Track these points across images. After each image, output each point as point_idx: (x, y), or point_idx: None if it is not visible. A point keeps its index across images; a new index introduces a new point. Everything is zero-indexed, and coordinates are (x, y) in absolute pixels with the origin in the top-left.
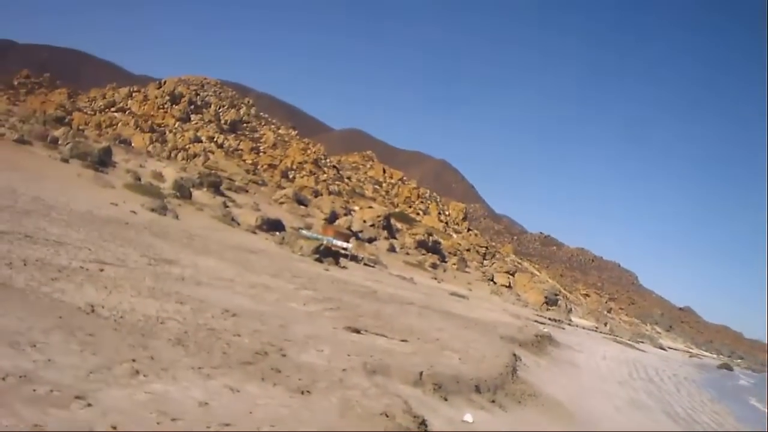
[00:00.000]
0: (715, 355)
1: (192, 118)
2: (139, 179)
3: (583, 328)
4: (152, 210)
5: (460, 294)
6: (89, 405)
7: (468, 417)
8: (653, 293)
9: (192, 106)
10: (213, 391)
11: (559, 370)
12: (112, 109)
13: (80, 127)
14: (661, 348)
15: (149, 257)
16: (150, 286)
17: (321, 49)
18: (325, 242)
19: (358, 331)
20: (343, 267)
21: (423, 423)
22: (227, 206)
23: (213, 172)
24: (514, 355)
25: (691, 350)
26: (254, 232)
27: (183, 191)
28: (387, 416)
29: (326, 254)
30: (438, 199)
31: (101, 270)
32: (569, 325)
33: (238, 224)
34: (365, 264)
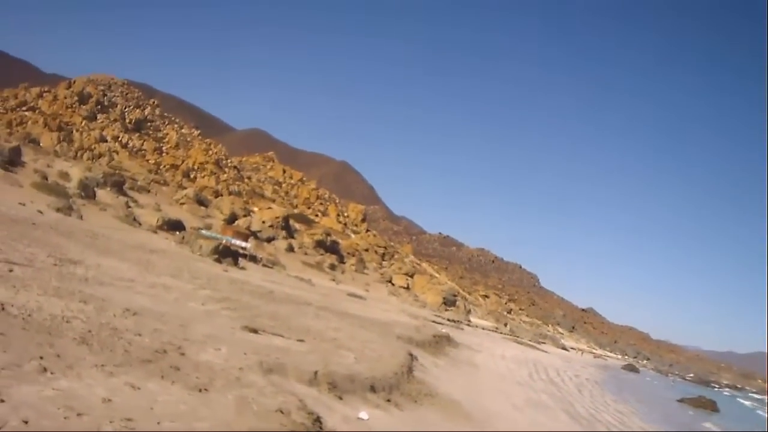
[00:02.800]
0: (620, 356)
1: (98, 118)
2: (46, 179)
3: (483, 328)
4: (58, 210)
5: (357, 295)
6: (2, 401)
7: (363, 415)
8: (555, 295)
9: (99, 106)
10: (115, 388)
11: (456, 370)
12: (24, 108)
13: None
14: (564, 348)
15: (55, 257)
16: (56, 285)
17: (226, 51)
18: (224, 242)
19: (255, 331)
20: (242, 267)
21: (318, 420)
22: (129, 206)
23: (117, 172)
24: (411, 355)
25: (594, 351)
26: (155, 232)
27: (87, 191)
28: (282, 413)
29: (225, 254)
30: (337, 201)
31: (10, 270)
32: (468, 325)
33: (140, 224)
34: (264, 265)
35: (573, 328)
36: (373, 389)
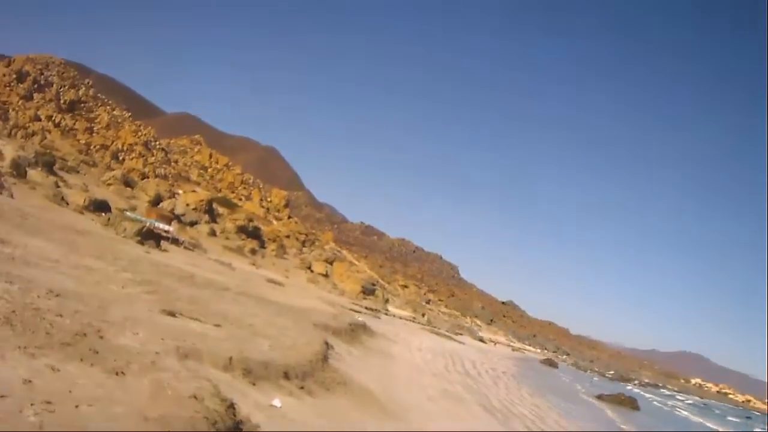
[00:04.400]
0: (539, 350)
1: (34, 97)
2: None
3: (400, 318)
4: None
5: (276, 281)
6: None
7: (276, 402)
8: (475, 287)
9: (36, 85)
10: (37, 370)
11: (372, 360)
12: None
13: None
14: (481, 341)
15: None
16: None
17: (160, 31)
18: (147, 224)
19: (173, 315)
20: (164, 250)
21: (231, 406)
22: (59, 186)
23: (48, 151)
24: (326, 343)
25: (512, 344)
26: (82, 213)
27: (20, 170)
28: (196, 399)
29: (148, 237)
30: (261, 186)
31: None
32: (386, 314)
33: (68, 204)
34: (185, 247)
35: (492, 320)
36: (286, 376)
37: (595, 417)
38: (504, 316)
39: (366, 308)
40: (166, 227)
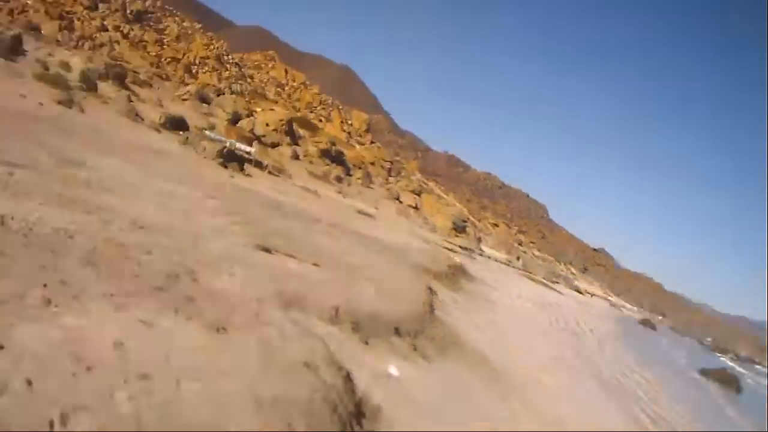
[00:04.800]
0: (635, 307)
1: (99, 7)
2: (48, 69)
3: (495, 260)
4: (59, 103)
5: (366, 212)
6: (2, 347)
7: (393, 370)
8: (564, 230)
9: None
10: (127, 327)
11: (476, 310)
12: None
13: None
14: (578, 291)
15: (57, 158)
16: (58, 192)
17: None
18: (228, 145)
19: (268, 251)
20: (248, 174)
21: (349, 378)
22: (131, 101)
23: (118, 63)
24: (430, 289)
25: (609, 297)
26: (158, 130)
27: (89, 83)
28: (309, 367)
29: (230, 158)
30: (340, 107)
31: (11, 174)
32: (480, 255)
33: (142, 120)
34: (270, 172)
35: (585, 268)
36: (397, 332)
37: (702, 400)
38: (597, 265)
39: (460, 247)
40: (248, 149)
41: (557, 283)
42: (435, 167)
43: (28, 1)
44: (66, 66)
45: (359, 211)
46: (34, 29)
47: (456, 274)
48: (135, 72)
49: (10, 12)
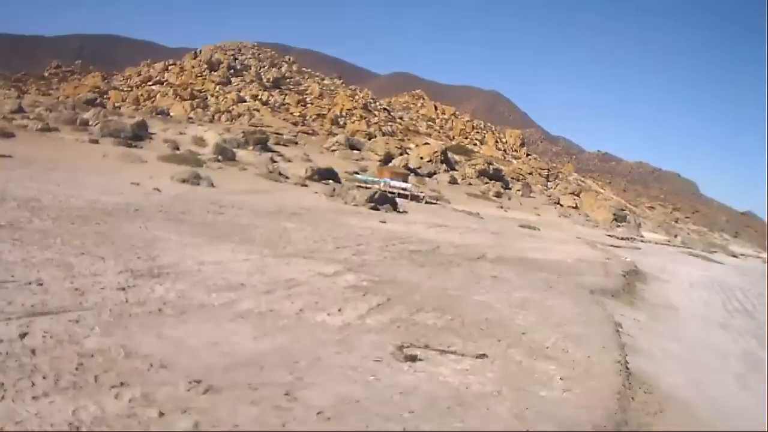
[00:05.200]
0: None
1: (233, 81)
2: (178, 148)
3: (656, 243)
4: (183, 181)
5: (530, 225)
6: None
7: None
8: (714, 201)
9: (231, 71)
10: None
11: (662, 329)
12: (149, 83)
13: (116, 105)
14: (734, 256)
15: (132, 270)
16: (102, 329)
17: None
18: (381, 185)
19: (414, 359)
20: (403, 212)
21: None
22: (275, 161)
23: (258, 128)
24: (616, 324)
25: (760, 255)
26: (305, 185)
27: (225, 153)
28: None
29: (382, 201)
30: (493, 128)
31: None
32: (642, 241)
33: (287, 178)
34: (427, 202)
35: (737, 233)
36: None
37: None
38: (746, 227)
39: (623, 239)
40: (403, 185)
41: (715, 252)
42: (590, 165)
43: (154, 87)
44: (200, 141)
45: (522, 225)
46: (161, 113)
47: (631, 283)
48: (278, 134)
49: (136, 101)
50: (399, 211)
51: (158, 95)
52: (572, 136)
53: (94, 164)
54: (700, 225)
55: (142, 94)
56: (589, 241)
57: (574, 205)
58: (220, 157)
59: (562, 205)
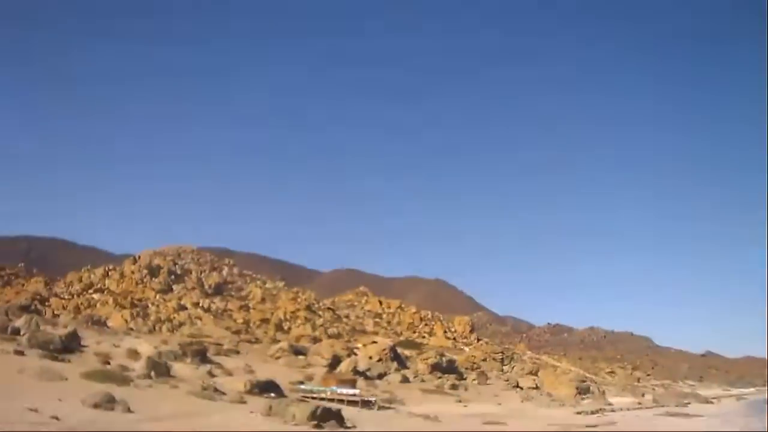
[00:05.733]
0: (753, 389)
1: (174, 288)
2: (108, 362)
3: (628, 408)
4: (95, 406)
5: (495, 420)
6: None
7: None
8: (671, 349)
9: (172, 276)
10: None
11: None
12: (90, 290)
13: (56, 313)
14: (708, 401)
15: None
16: None
17: (297, 196)
18: (328, 394)
19: None
20: (351, 427)
21: None
22: (214, 375)
23: (196, 340)
24: None
25: (732, 393)
26: (242, 402)
27: (158, 368)
28: None
29: (326, 417)
30: (441, 318)
31: None
32: (613, 410)
33: (224, 394)
34: (379, 407)
35: (701, 377)
36: None
37: None
38: (709, 368)
39: (593, 412)
40: (351, 391)
41: (689, 404)
42: (541, 340)
43: (95, 296)
44: (134, 354)
45: (486, 422)
46: (97, 323)
47: None
48: (218, 344)
49: (77, 309)
50: (346, 427)
51: (98, 304)
52: (520, 313)
53: (3, 382)
54: (663, 378)
55: (82, 303)
56: (557, 424)
57: (534, 386)
58: (152, 373)
59: (522, 388)
